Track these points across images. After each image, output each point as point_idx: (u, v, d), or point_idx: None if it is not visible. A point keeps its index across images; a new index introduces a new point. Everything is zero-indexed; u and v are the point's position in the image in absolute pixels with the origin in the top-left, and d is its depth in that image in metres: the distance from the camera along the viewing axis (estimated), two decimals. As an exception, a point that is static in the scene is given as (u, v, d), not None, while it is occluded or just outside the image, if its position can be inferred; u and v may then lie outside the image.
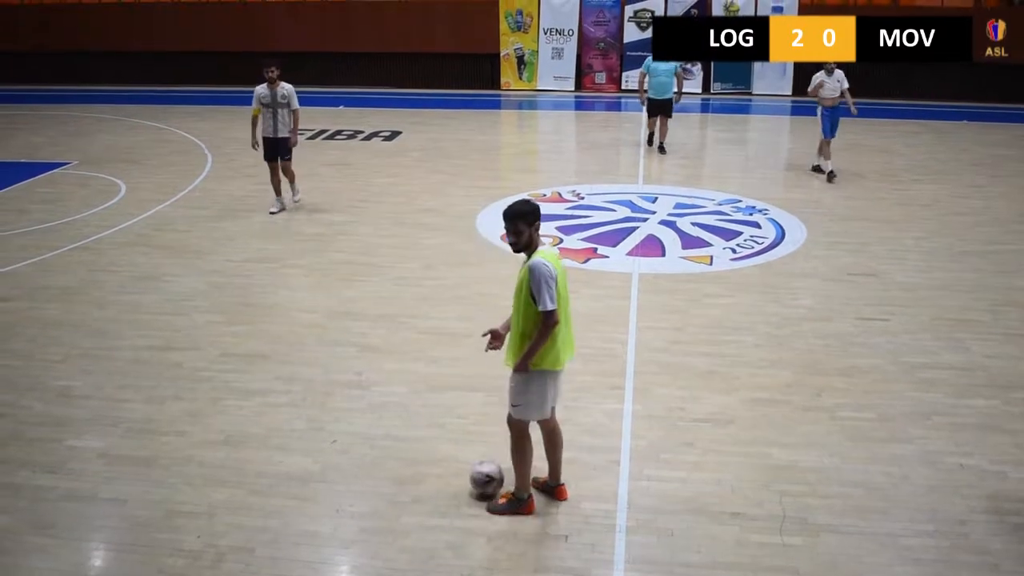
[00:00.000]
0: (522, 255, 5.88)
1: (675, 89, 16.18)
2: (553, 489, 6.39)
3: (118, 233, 12.29)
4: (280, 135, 12.86)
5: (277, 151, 12.95)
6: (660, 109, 16.39)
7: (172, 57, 23.76)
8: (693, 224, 12.51)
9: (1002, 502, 6.38)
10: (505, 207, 5.86)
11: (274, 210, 13.07)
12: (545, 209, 12.85)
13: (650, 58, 16.08)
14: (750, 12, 21.95)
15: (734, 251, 11.54)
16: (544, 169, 16.83)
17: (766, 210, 13.19)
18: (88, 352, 8.66)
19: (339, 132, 18.65)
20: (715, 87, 22.51)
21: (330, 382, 8.06)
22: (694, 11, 22.23)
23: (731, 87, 22.48)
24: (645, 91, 16.36)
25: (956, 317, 9.52)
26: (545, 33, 22.94)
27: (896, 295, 10.11)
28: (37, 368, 8.37)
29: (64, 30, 23.98)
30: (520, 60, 23.18)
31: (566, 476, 6.46)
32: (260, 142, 12.93)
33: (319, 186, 14.49)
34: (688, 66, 22.49)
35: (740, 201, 13.58)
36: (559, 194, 14.00)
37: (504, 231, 5.83)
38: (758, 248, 11.65)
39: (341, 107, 21.38)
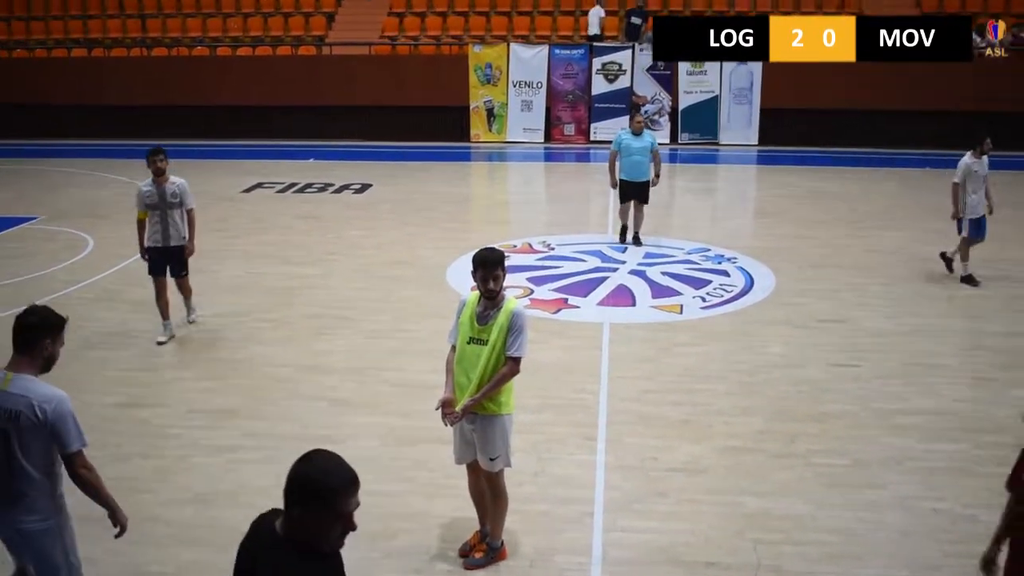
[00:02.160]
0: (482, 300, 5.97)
1: (653, 171, 13.79)
2: (497, 550, 6.23)
3: (86, 288, 12.18)
4: (172, 243, 10.05)
5: (168, 264, 10.20)
6: (634, 193, 13.77)
7: (143, 111, 23.74)
8: (663, 273, 12.57)
9: (974, 546, 6.35)
10: (478, 255, 5.91)
11: (162, 339, 10.18)
12: (516, 260, 13.03)
13: (622, 133, 13.79)
14: (715, 65, 22.31)
15: (704, 300, 11.58)
16: (515, 220, 16.90)
17: (735, 258, 13.28)
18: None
19: (309, 185, 18.67)
20: (682, 137, 22.76)
21: (300, 437, 7.97)
22: (661, 63, 22.54)
23: (698, 137, 22.74)
24: (617, 172, 13.82)
25: (925, 362, 9.59)
26: (514, 85, 23.16)
27: (865, 341, 10.18)
28: None
29: (32, 83, 23.92)
30: (490, 112, 23.36)
31: (541, 529, 6.39)
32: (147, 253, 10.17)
33: (290, 239, 14.46)
34: (656, 117, 22.77)
35: (709, 250, 13.67)
36: (530, 245, 14.05)
37: (480, 278, 5.87)
38: (728, 296, 11.71)
39: (311, 160, 21.42)
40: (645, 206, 13.95)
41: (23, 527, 4.87)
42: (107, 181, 19.20)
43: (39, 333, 4.84)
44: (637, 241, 13.91)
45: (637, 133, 13.57)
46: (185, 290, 10.56)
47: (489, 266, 5.84)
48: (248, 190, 18.25)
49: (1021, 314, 11.08)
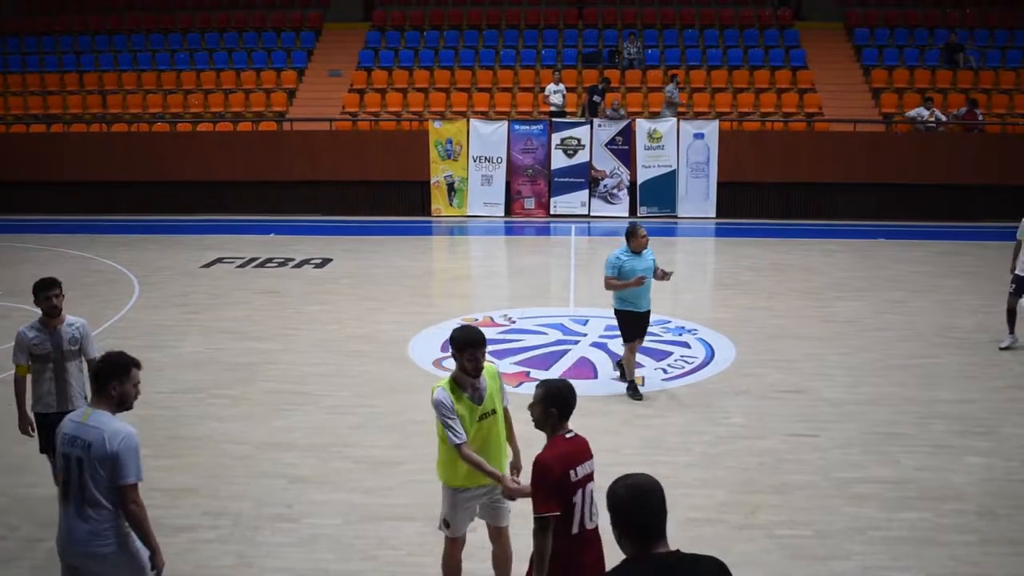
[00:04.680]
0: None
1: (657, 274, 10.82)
2: None
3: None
4: (71, 406, 7.39)
5: None
6: (640, 328, 10.78)
7: (102, 186, 23.66)
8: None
9: (939, 617, 6.39)
10: (464, 335, 6.01)
11: None
12: (477, 333, 12.99)
13: (621, 256, 10.58)
14: (672, 139, 22.75)
15: (665, 371, 11.64)
16: (476, 294, 16.94)
17: (695, 330, 13.38)
18: (6, 491, 8.34)
19: (269, 260, 18.63)
20: (641, 211, 23.05)
21: (260, 516, 7.85)
22: (619, 138, 22.93)
23: (657, 211, 23.04)
24: (628, 283, 10.50)
25: (884, 431, 9.68)
26: (474, 161, 23.40)
27: (824, 411, 10.27)
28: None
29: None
30: (450, 187, 23.55)
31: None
32: (34, 422, 7.73)
33: (249, 315, 14.38)
34: (616, 191, 23.08)
35: (669, 322, 13.77)
36: (491, 319, 14.08)
37: (470, 357, 5.95)
38: (688, 368, 11.78)
39: (272, 235, 21.41)
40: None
41: (93, 551, 5.28)
42: (65, 257, 19.05)
43: (107, 376, 5.38)
44: (635, 392, 10.73)
45: (638, 252, 10.61)
46: None
47: (479, 344, 5.95)
48: (208, 265, 18.18)
49: (973, 380, 11.25)
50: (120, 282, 16.78)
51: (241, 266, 18.06)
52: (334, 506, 8.04)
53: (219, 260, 18.58)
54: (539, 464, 5.05)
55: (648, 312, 10.86)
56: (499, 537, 6.36)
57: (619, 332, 10.88)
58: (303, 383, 11.25)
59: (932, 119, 23.00)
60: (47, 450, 7.60)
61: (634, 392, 10.70)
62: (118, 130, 24.72)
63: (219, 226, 22.46)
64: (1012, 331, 12.43)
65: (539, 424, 5.28)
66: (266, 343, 12.92)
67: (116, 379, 5.38)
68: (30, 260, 18.77)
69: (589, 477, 5.18)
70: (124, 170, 23.52)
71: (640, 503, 3.73)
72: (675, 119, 23.01)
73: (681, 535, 7.46)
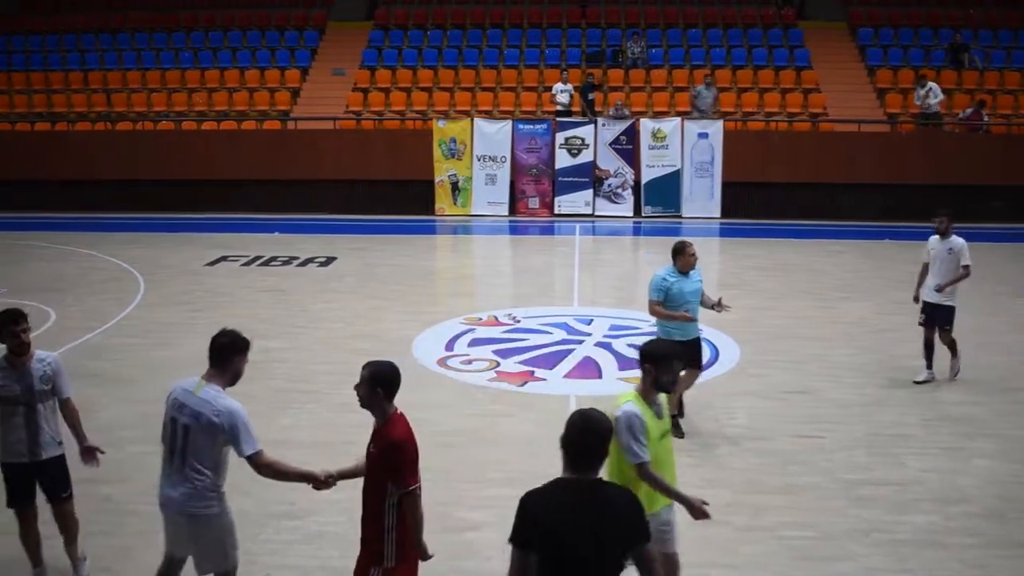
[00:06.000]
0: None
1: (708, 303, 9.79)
2: None
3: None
4: (45, 455, 6.59)
5: (45, 486, 6.71)
6: (689, 355, 9.09)
7: (105, 185, 23.66)
8: (629, 345, 12.61)
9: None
10: (666, 347, 5.96)
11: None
12: (481, 333, 13.03)
13: (667, 275, 9.40)
14: (676, 139, 22.74)
15: (670, 371, 11.59)
16: (480, 293, 16.94)
17: (700, 331, 13.33)
18: None
19: (274, 258, 18.63)
20: (646, 211, 23.02)
21: (264, 514, 7.85)
22: (623, 138, 22.91)
23: (661, 211, 23.01)
24: (677, 316, 9.43)
25: (890, 432, 9.66)
26: (479, 160, 23.39)
27: (830, 412, 10.25)
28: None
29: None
30: (454, 186, 23.55)
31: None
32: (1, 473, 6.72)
33: (255, 313, 14.37)
34: (620, 191, 23.06)
35: (674, 321, 13.72)
36: (495, 318, 14.07)
37: (666, 370, 5.73)
38: (694, 368, 11.74)
39: (276, 233, 21.41)
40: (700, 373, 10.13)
41: (192, 511, 5.66)
42: (71, 255, 19.06)
43: (230, 351, 5.76)
44: (677, 427, 9.17)
45: (685, 273, 9.48)
46: (70, 522, 6.79)
47: (678, 357, 5.87)
48: (213, 263, 18.18)
49: (979, 383, 11.21)
50: (125, 280, 16.78)
51: (246, 264, 18.05)
52: (339, 504, 8.01)
53: (224, 258, 18.58)
54: (401, 440, 5.37)
55: (698, 339, 9.64)
56: (667, 564, 5.88)
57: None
58: (309, 381, 11.24)
59: (930, 97, 22.71)
60: (17, 502, 6.63)
61: (675, 428, 8.81)
62: (123, 128, 24.73)
63: (224, 224, 22.47)
64: (930, 366, 11.13)
65: (365, 404, 5.53)
66: (272, 341, 12.89)
67: (238, 355, 5.77)
68: (36, 257, 18.79)
69: None
70: (129, 168, 23.55)
71: (581, 432, 4.34)
72: (679, 119, 22.99)
73: (687, 535, 7.43)
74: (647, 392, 5.73)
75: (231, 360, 5.77)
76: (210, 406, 5.60)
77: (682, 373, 8.78)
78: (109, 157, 23.60)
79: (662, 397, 5.83)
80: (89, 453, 6.80)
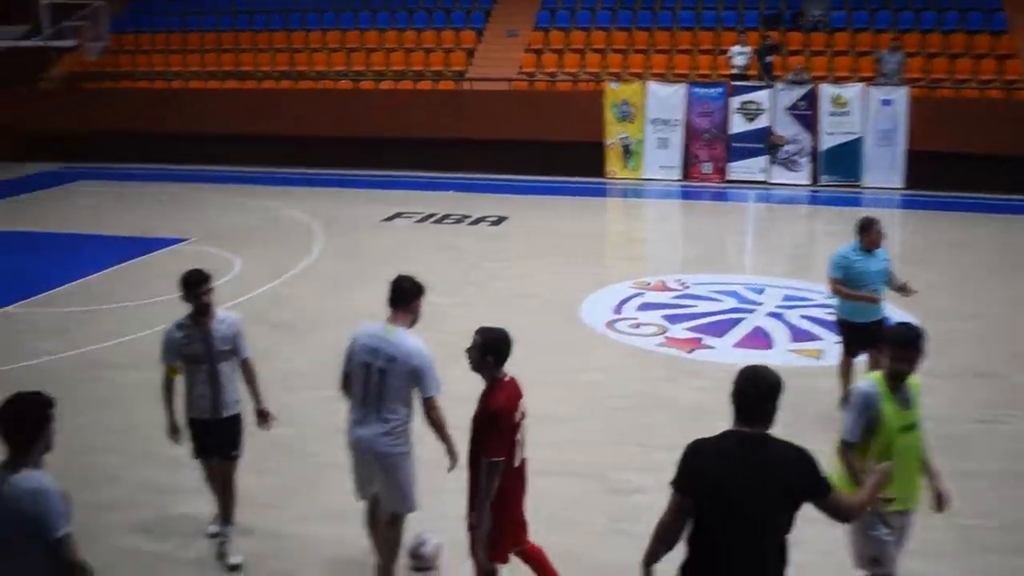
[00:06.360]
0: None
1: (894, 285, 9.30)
2: None
3: (232, 309, 12.59)
4: (226, 413, 6.88)
5: (218, 442, 6.92)
6: (865, 339, 8.88)
7: (288, 140, 24.55)
8: (802, 317, 12.28)
9: None
10: (908, 332, 5.41)
11: (213, 530, 7.13)
12: (650, 298, 12.94)
13: (850, 254, 9.07)
14: (858, 106, 21.84)
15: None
16: (649, 257, 16.79)
17: (883, 314, 12.84)
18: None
19: (447, 216, 18.97)
20: (823, 179, 22.25)
21: (435, 462, 8.02)
22: (801, 103, 22.17)
23: (839, 179, 22.20)
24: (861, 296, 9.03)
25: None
26: (651, 123, 23.09)
27: (1018, 397, 9.71)
28: (143, 438, 8.54)
29: (184, 112, 25.07)
30: (626, 149, 23.34)
31: None
32: (181, 427, 7.02)
33: (428, 268, 14.62)
34: (797, 158, 22.36)
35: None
36: (664, 283, 13.92)
37: (898, 358, 5.36)
38: (869, 343, 11.33)
39: (451, 191, 21.78)
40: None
41: (385, 449, 6.01)
42: (256, 207, 19.91)
43: (413, 294, 6.19)
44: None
45: (870, 251, 9.04)
46: (229, 487, 6.96)
47: (911, 345, 5.31)
48: (388, 219, 18.67)
49: None
50: (305, 232, 17.43)
51: (420, 221, 18.45)
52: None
53: (399, 215, 19.05)
54: (496, 411, 5.45)
55: (873, 323, 8.84)
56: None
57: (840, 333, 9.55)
58: (476, 338, 11.41)
59: None
60: (203, 454, 6.95)
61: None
62: (304, 87, 25.57)
63: (399, 182, 23.00)
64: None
65: (475, 368, 5.65)
66: (442, 297, 13.14)
67: (418, 298, 6.17)
68: (222, 207, 19.72)
69: (524, 415, 5.69)
70: (308, 125, 24.31)
71: (749, 381, 4.37)
72: (861, 85, 22.04)
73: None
74: (889, 379, 5.41)
75: (413, 302, 6.13)
76: (404, 347, 5.94)
77: (864, 357, 9.05)
78: (288, 114, 24.45)
79: (910, 387, 5.44)
80: (263, 417, 7.00)
